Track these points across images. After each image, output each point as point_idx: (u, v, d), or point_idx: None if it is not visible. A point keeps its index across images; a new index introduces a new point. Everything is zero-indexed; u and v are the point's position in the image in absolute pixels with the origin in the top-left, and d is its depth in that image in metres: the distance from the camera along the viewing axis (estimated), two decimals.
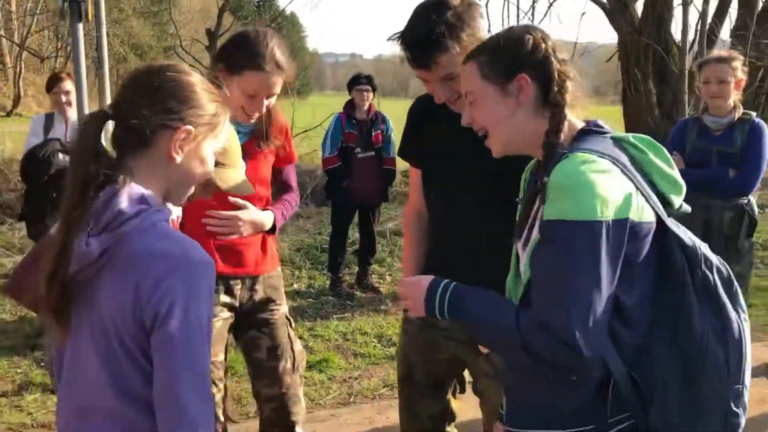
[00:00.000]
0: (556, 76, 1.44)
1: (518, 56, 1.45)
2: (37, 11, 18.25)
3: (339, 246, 5.76)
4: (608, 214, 1.29)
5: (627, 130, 10.20)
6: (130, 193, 1.24)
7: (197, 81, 1.34)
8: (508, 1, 9.84)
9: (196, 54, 13.67)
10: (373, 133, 5.59)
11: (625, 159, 1.39)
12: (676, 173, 1.48)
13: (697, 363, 1.35)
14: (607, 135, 1.44)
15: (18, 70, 20.30)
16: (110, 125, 1.33)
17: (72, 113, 4.36)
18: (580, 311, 1.28)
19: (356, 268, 5.99)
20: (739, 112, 3.43)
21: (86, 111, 4.45)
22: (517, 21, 9.15)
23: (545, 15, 10.64)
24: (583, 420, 1.38)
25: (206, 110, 1.33)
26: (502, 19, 10.07)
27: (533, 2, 10.35)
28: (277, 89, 2.20)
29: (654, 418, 1.35)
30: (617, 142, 1.44)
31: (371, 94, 5.66)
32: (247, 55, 2.11)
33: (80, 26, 4.43)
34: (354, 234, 6.30)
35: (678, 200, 1.48)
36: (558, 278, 1.31)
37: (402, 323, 2.25)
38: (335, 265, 5.71)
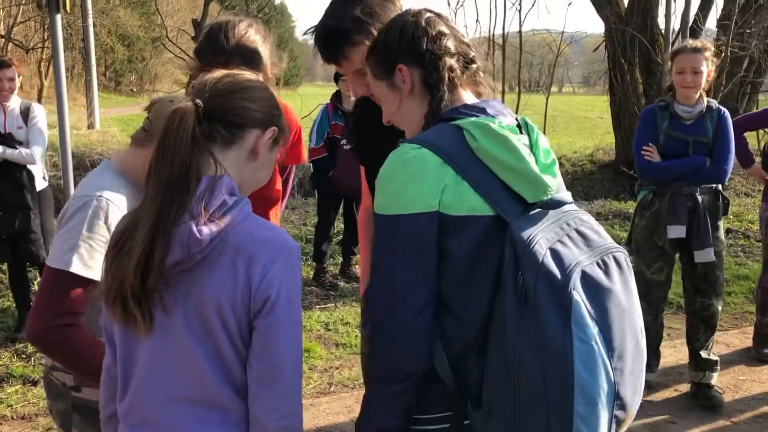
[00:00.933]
0: (427, 55, 1.39)
1: (392, 48, 1.42)
2: (23, 1, 18.07)
3: (324, 235, 5.77)
4: (406, 207, 1.29)
5: (614, 119, 10.24)
6: (225, 183, 1.28)
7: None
8: None
9: (183, 45, 13.59)
10: None
11: (456, 148, 1.32)
12: (524, 164, 1.31)
13: (512, 374, 1.25)
14: (453, 122, 1.36)
15: None
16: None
17: (12, 102, 4.20)
18: (383, 300, 1.31)
19: (341, 259, 6.00)
20: (705, 101, 3.50)
21: (65, 101, 4.44)
22: (504, 11, 9.17)
23: (533, 5, 10.69)
24: (434, 408, 1.38)
25: (283, 117, 1.43)
26: (490, 10, 10.10)
27: None
28: None
29: (478, 423, 1.32)
30: (459, 129, 1.34)
31: None
32: (211, 50, 2.04)
33: (58, 17, 4.41)
34: (340, 225, 6.31)
35: (531, 193, 1.31)
36: (371, 269, 1.35)
37: (360, 326, 2.24)
38: (320, 254, 5.72)
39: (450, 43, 1.41)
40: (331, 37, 1.74)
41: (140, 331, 1.29)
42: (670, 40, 7.95)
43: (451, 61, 1.41)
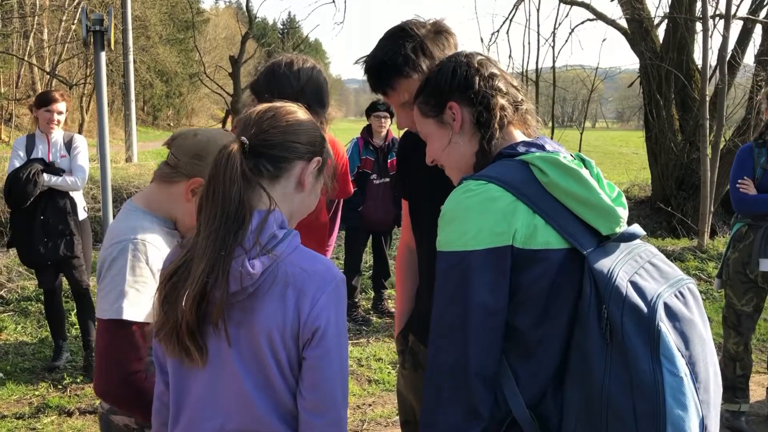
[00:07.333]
0: (480, 95, 1.41)
1: (443, 85, 1.44)
2: (68, 39, 18.70)
3: (353, 270, 5.76)
4: (479, 243, 1.26)
5: (650, 155, 10.13)
6: (275, 217, 1.30)
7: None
8: (529, 28, 9.91)
9: (220, 80, 13.90)
10: (389, 160, 5.62)
11: (525, 183, 1.31)
12: (597, 197, 1.30)
13: (598, 410, 1.21)
14: (517, 158, 1.36)
15: None
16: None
17: (55, 134, 4.34)
18: (457, 338, 1.27)
19: (373, 294, 5.97)
20: None
21: (107, 135, 4.54)
22: (538, 47, 9.25)
23: (566, 41, 10.72)
24: None
25: (328, 146, 1.45)
26: (523, 45, 10.14)
27: (554, 29, 10.41)
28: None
29: None
30: (525, 164, 1.34)
31: (389, 121, 5.69)
32: (279, 89, 2.04)
33: (103, 54, 4.54)
34: (371, 259, 6.30)
35: (606, 226, 1.31)
36: (438, 307, 1.32)
37: (398, 366, 2.17)
38: (350, 289, 5.70)
39: (501, 84, 1.44)
40: (382, 69, 1.75)
41: (196, 363, 1.31)
42: (707, 76, 7.86)
43: (502, 101, 1.42)
